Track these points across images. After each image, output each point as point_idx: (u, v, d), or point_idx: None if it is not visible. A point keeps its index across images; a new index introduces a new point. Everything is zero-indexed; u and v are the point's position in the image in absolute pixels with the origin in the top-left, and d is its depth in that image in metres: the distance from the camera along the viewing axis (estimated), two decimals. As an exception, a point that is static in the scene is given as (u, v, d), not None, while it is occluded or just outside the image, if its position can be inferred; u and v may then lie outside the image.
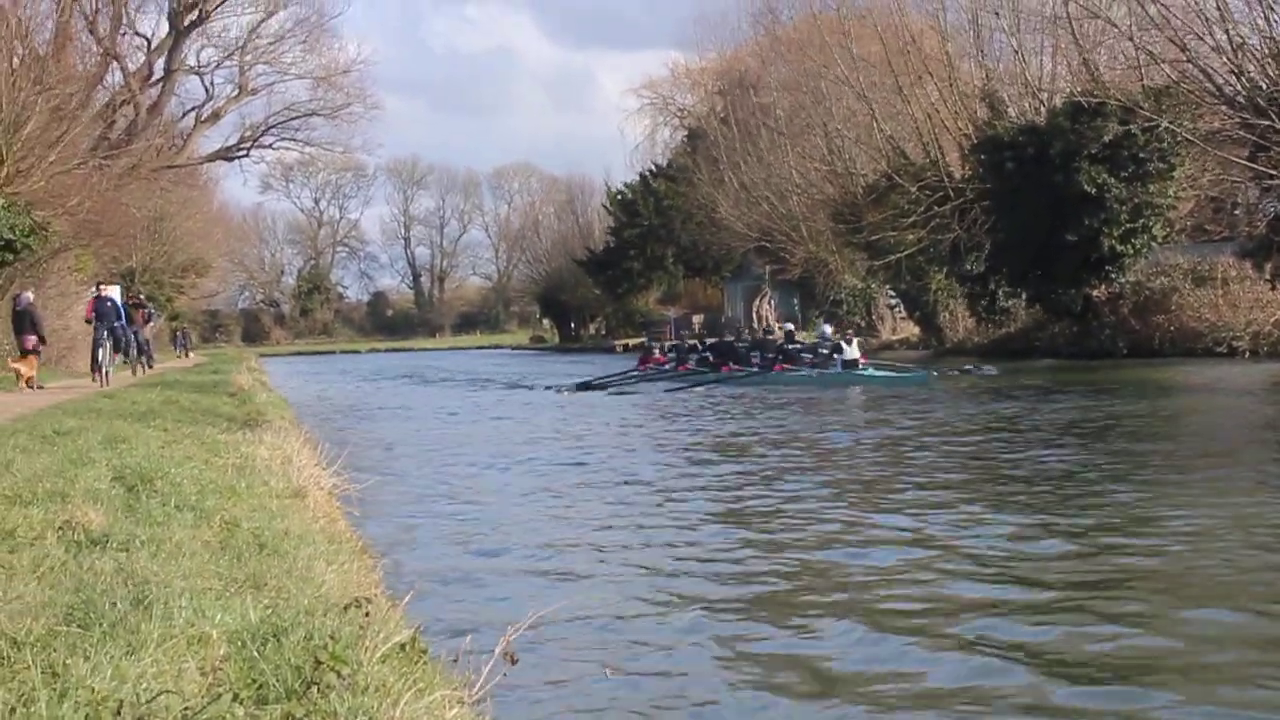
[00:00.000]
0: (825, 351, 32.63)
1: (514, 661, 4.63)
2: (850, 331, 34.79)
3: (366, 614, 4.71)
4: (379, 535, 9.98)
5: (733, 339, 40.89)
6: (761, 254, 63.97)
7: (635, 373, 36.30)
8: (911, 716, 5.71)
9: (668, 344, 44.27)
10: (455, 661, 4.69)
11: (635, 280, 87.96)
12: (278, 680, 4.03)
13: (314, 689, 3.89)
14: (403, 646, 4.56)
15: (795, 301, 69.79)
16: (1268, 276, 32.79)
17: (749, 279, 76.36)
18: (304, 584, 5.60)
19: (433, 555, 9.67)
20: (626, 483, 13.87)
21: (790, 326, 39.68)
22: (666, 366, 37.00)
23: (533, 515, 11.66)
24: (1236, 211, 39.21)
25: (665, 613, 7.57)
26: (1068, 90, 39.02)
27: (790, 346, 34.39)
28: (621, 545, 9.97)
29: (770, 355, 33.78)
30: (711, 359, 35.65)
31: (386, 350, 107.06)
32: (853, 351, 32.24)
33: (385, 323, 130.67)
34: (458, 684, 4.45)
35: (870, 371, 31.57)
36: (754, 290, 76.12)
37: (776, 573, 8.73)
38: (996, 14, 42.82)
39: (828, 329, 36.59)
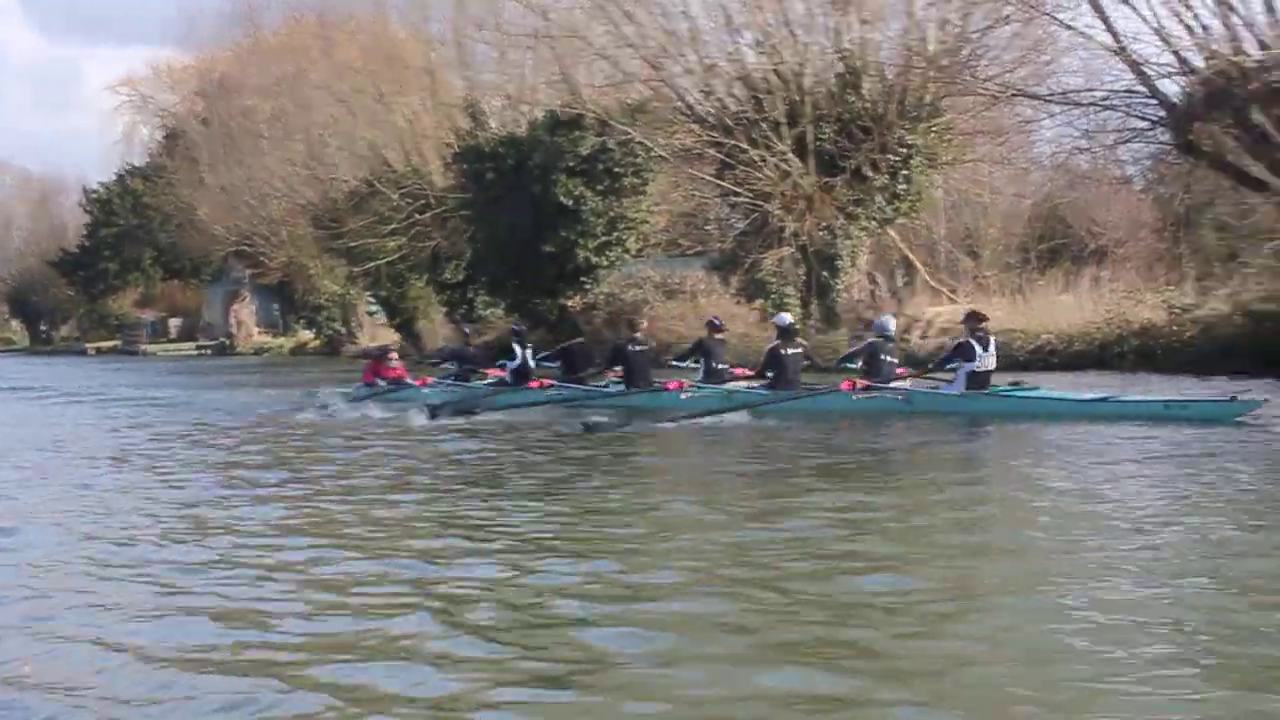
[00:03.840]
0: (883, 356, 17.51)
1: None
2: (984, 326, 17.01)
3: None
4: None
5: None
6: (241, 257, 60.15)
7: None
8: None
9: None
10: None
11: (111, 282, 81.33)
12: None
13: None
14: None
15: (275, 306, 67.81)
16: (734, 290, 32.65)
17: (228, 282, 72.67)
18: None
19: None
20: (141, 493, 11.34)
21: (788, 318, 19.48)
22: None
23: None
24: (708, 227, 39.40)
25: (107, 617, 6.60)
26: (548, 104, 37.94)
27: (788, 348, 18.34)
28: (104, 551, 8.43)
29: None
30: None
31: None
32: (989, 359, 16.72)
33: None
34: None
35: (1051, 393, 16.38)
36: (233, 294, 72.75)
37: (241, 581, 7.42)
38: (480, 27, 41.29)
39: (890, 321, 18.77)
